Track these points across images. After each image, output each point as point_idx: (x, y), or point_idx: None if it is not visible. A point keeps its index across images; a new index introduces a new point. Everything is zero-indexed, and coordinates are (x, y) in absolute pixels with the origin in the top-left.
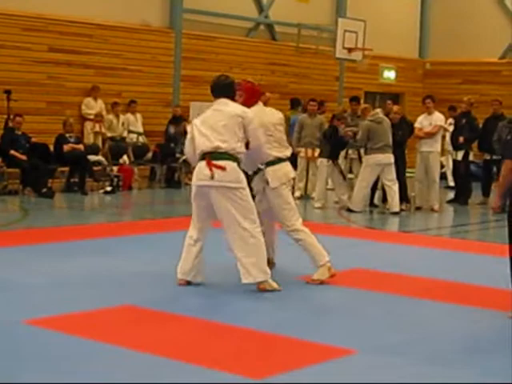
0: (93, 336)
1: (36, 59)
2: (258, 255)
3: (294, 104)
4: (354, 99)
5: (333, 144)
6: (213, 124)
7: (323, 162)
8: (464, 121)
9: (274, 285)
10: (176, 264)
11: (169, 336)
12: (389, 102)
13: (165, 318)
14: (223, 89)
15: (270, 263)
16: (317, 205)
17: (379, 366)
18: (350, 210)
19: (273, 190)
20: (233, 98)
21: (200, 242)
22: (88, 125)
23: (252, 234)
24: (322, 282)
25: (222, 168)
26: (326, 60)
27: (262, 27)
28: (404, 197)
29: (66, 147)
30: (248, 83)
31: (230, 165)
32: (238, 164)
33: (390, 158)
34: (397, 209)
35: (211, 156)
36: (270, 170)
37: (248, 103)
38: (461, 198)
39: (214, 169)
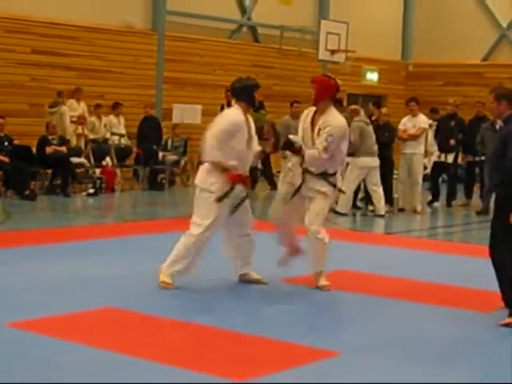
0: (73, 338)
1: (19, 61)
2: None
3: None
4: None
5: None
6: None
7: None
8: (453, 123)
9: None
10: (158, 265)
11: (150, 338)
12: (370, 104)
13: (146, 320)
14: (235, 93)
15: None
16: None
17: (363, 367)
18: (336, 213)
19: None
20: (248, 104)
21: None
22: (71, 127)
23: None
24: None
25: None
26: (309, 62)
27: (244, 29)
28: (388, 198)
29: (48, 149)
30: (323, 77)
31: (201, 167)
32: (215, 167)
33: (376, 161)
34: (383, 212)
35: None
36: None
37: (319, 98)
38: (448, 199)
39: None
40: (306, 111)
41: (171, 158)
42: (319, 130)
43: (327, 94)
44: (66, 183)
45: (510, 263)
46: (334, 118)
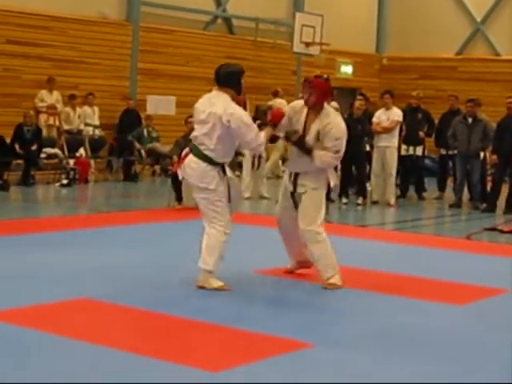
0: (48, 329)
1: None
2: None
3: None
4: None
5: None
6: (199, 114)
7: (248, 155)
8: (420, 115)
9: (214, 284)
10: (132, 256)
11: (125, 329)
12: (359, 97)
13: (121, 311)
14: (222, 78)
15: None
16: (246, 195)
17: (336, 359)
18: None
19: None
20: (234, 90)
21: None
22: (42, 117)
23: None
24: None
25: (191, 167)
26: (284, 54)
27: (219, 21)
28: (362, 191)
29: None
30: (319, 79)
31: (199, 164)
32: (210, 163)
33: None
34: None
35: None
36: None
37: (318, 102)
38: (418, 192)
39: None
40: (300, 103)
41: (162, 149)
42: (318, 133)
43: (326, 97)
44: (29, 173)
45: None
46: (334, 120)
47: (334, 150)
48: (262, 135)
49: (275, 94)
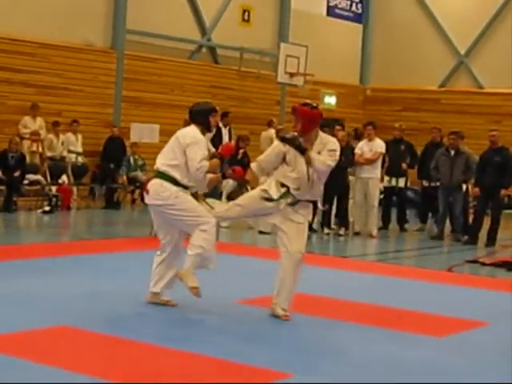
0: (25, 356)
1: None
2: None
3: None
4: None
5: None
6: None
7: (228, 182)
8: (403, 147)
9: (190, 282)
10: (113, 284)
11: (102, 357)
12: (338, 127)
13: (100, 338)
14: (192, 115)
15: None
16: (224, 224)
17: None
18: (261, 232)
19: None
20: (203, 126)
21: (164, 254)
22: (25, 143)
23: None
24: None
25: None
26: (268, 84)
27: (204, 50)
28: (344, 222)
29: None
30: (304, 107)
31: (153, 184)
32: (171, 181)
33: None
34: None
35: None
36: None
37: (307, 130)
38: (400, 223)
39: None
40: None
41: (141, 178)
42: (319, 153)
43: (313, 124)
44: (11, 199)
45: None
46: (330, 138)
47: (329, 153)
48: (207, 162)
49: (269, 124)
